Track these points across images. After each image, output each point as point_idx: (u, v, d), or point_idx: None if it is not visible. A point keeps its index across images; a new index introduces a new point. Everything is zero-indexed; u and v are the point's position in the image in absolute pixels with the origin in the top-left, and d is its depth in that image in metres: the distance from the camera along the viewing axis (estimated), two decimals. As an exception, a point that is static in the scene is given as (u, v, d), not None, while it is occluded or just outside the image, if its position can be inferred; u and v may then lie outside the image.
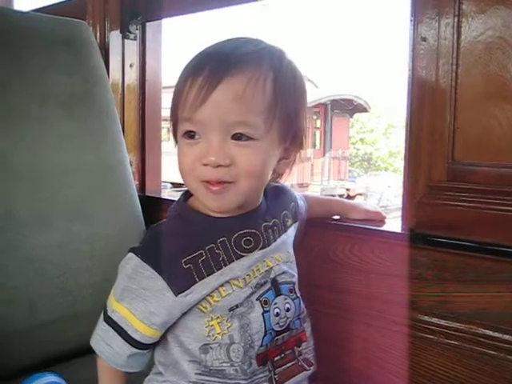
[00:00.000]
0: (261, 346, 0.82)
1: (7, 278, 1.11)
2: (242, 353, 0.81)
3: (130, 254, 0.82)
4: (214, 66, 0.76)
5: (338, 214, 1.12)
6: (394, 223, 1.06)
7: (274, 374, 0.84)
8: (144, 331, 0.80)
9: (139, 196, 1.39)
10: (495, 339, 0.90)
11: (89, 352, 0.85)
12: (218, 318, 0.81)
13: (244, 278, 0.82)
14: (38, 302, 1.13)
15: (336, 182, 16.99)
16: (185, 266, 0.79)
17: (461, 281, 0.93)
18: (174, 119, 0.82)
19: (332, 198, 1.31)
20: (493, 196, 0.91)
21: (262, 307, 0.83)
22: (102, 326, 0.83)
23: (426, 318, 0.96)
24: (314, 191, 14.94)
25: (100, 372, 0.86)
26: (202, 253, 0.80)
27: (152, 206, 1.42)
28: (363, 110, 20.33)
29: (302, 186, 15.14)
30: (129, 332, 0.80)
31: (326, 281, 1.10)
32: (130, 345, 0.81)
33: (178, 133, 0.81)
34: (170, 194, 1.69)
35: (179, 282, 0.79)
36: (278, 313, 0.84)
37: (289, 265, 0.89)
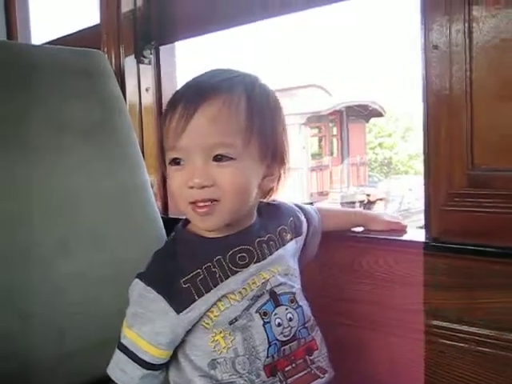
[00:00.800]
0: (267, 356, 0.84)
1: (35, 306, 1.12)
2: (248, 364, 0.83)
3: (136, 280, 0.86)
4: (189, 96, 0.83)
5: (358, 226, 1.12)
6: (416, 232, 1.06)
7: None
8: (152, 352, 0.84)
9: (162, 218, 1.40)
10: (528, 345, 0.88)
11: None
12: (221, 332, 0.84)
13: (240, 292, 0.85)
14: (66, 330, 1.14)
15: (356, 189, 16.81)
16: (184, 286, 0.83)
17: (487, 287, 0.92)
18: (162, 150, 0.87)
19: (351, 209, 1.32)
20: (515, 200, 0.90)
21: (262, 319, 0.85)
22: (117, 353, 0.86)
23: (455, 326, 0.96)
24: (334, 199, 14.84)
25: None
26: (199, 272, 0.84)
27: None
28: (378, 114, 20.19)
29: (321, 194, 15.07)
30: (138, 354, 0.84)
31: (351, 293, 1.09)
32: (141, 366, 0.84)
33: (166, 161, 0.86)
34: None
35: (180, 301, 0.83)
36: (279, 323, 0.86)
37: (288, 277, 0.91)
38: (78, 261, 1.19)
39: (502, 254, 0.90)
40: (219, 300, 0.84)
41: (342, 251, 1.11)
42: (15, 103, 1.21)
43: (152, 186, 1.48)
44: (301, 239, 0.98)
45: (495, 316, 0.91)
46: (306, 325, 0.90)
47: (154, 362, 0.85)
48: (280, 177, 0.90)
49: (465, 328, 0.95)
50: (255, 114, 0.85)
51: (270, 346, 0.85)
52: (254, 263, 0.87)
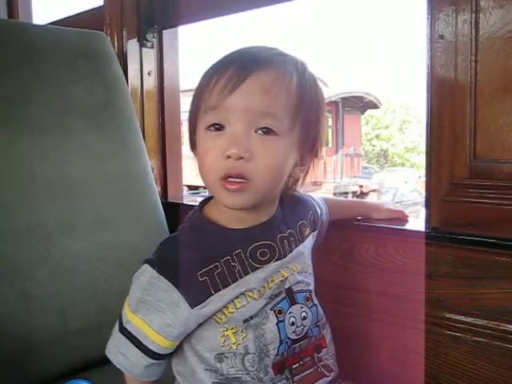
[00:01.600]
0: (277, 355, 0.82)
1: (39, 287, 1.12)
2: (257, 362, 0.80)
3: (146, 266, 0.81)
4: (242, 62, 0.77)
5: (360, 215, 1.11)
6: (417, 222, 1.05)
7: (293, 382, 0.83)
8: (161, 342, 0.80)
9: (162, 202, 1.39)
10: (525, 336, 0.88)
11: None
12: (233, 328, 0.80)
13: (259, 290, 0.81)
14: (69, 310, 1.15)
15: (349, 180, 16.88)
16: (201, 279, 0.79)
17: (487, 278, 0.92)
18: (196, 111, 0.80)
19: (354, 199, 1.32)
20: (516, 192, 0.89)
21: (277, 317, 0.82)
22: (117, 337, 0.83)
23: (453, 315, 0.95)
24: (328, 189, 14.87)
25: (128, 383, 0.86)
26: (217, 265, 0.80)
27: (175, 211, 1.43)
28: (374, 106, 20.32)
29: (315, 184, 15.07)
30: (145, 343, 0.80)
31: (351, 281, 1.09)
32: (147, 355, 0.81)
33: (199, 126, 0.80)
34: (188, 197, 1.69)
35: (195, 295, 0.78)
36: (293, 322, 0.83)
37: (304, 274, 0.88)
38: (80, 242, 1.19)
39: (503, 245, 0.89)
40: (236, 297, 0.80)
41: (343, 239, 1.11)
42: (17, 83, 1.20)
43: (152, 171, 1.47)
44: (316, 234, 0.95)
45: (492, 306, 0.91)
46: (318, 323, 0.88)
47: (161, 352, 0.81)
48: (308, 169, 0.86)
49: (462, 318, 0.94)
50: (305, 98, 0.80)
51: (281, 344, 0.82)
52: (275, 261, 0.83)
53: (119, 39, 1.55)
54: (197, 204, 0.91)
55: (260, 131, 0.76)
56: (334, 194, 14.34)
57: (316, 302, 0.88)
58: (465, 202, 0.95)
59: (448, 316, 0.96)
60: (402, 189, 15.99)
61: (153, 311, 0.79)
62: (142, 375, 0.83)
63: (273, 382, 0.82)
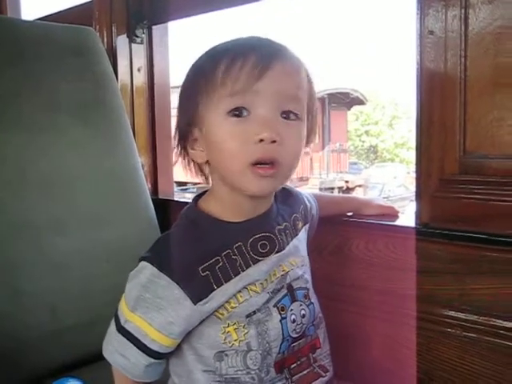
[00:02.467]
0: (278, 353, 0.80)
1: (30, 284, 1.11)
2: (260, 360, 0.78)
3: (144, 263, 0.78)
4: (264, 49, 0.76)
5: (351, 211, 1.10)
6: (407, 217, 1.05)
7: (291, 382, 0.82)
8: (162, 341, 0.78)
9: (152, 199, 1.38)
10: (514, 330, 0.88)
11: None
12: (235, 324, 0.78)
13: (261, 283, 0.80)
14: (59, 307, 1.13)
15: (335, 175, 16.94)
16: (202, 274, 0.77)
17: (477, 273, 0.91)
18: (206, 94, 0.76)
19: (344, 195, 1.31)
20: (506, 188, 0.89)
21: (280, 314, 0.80)
22: (115, 337, 0.80)
23: (443, 311, 0.95)
24: (314, 184, 14.90)
25: (118, 382, 0.84)
26: (218, 259, 0.78)
27: (165, 208, 1.42)
28: (360, 102, 20.49)
29: (301, 179, 15.09)
30: (145, 342, 0.78)
31: (342, 277, 1.09)
32: (147, 355, 0.78)
33: (214, 113, 0.75)
34: (178, 194, 1.69)
35: (198, 291, 0.76)
36: (294, 319, 0.82)
37: (304, 269, 0.87)
38: (71, 239, 1.18)
39: (492, 241, 0.89)
40: (239, 291, 0.78)
41: (333, 235, 1.10)
42: (5, 80, 1.19)
43: (143, 167, 1.46)
44: (307, 227, 0.94)
45: (482, 302, 0.91)
46: (314, 322, 0.86)
47: (163, 351, 0.79)
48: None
49: (452, 313, 0.94)
50: (313, 90, 0.82)
51: (283, 342, 0.80)
52: (276, 253, 0.81)
53: (108, 35, 1.53)
54: (188, 201, 0.89)
55: (284, 115, 0.76)
56: (320, 189, 14.39)
57: (313, 299, 0.87)
58: (455, 198, 0.94)
59: (438, 312, 0.95)
60: (389, 184, 16.05)
61: (153, 309, 0.77)
62: (143, 375, 0.81)
63: (272, 381, 0.80)
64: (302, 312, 0.83)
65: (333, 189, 14.86)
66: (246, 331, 0.78)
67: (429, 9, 0.94)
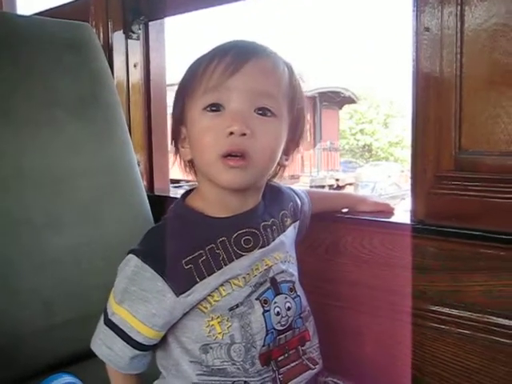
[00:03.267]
0: (263, 345, 0.80)
1: (22, 280, 1.09)
2: (244, 352, 0.79)
3: (130, 256, 0.80)
4: (241, 48, 0.79)
5: (346, 208, 1.09)
6: (402, 214, 1.04)
7: (279, 374, 0.82)
8: (146, 333, 0.79)
9: (148, 195, 1.37)
10: (508, 327, 0.87)
11: (104, 353, 0.82)
12: (219, 317, 0.79)
13: (244, 277, 0.80)
14: (53, 303, 1.12)
15: (326, 173, 16.97)
16: (185, 267, 0.78)
17: (471, 270, 0.90)
18: (187, 96, 0.80)
19: (339, 191, 1.30)
20: (501, 184, 0.88)
21: (262, 307, 0.81)
22: (102, 330, 0.82)
23: (437, 308, 0.94)
24: (305, 182, 14.92)
25: (111, 376, 0.84)
26: (202, 253, 0.79)
27: (161, 204, 1.40)
28: (351, 101, 20.61)
29: (292, 177, 15.10)
30: (130, 334, 0.79)
31: (337, 274, 1.08)
32: (132, 347, 0.80)
33: (193, 109, 0.79)
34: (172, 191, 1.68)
35: (180, 283, 0.77)
36: (278, 312, 0.82)
37: (287, 264, 0.87)
38: (66, 235, 1.17)
39: (487, 238, 0.88)
40: (221, 285, 0.79)
41: (328, 232, 1.09)
42: (1, 75, 1.16)
43: (138, 164, 1.44)
44: (297, 224, 0.94)
45: (476, 299, 0.90)
46: (302, 315, 0.86)
47: (147, 343, 0.80)
48: (291, 160, 0.88)
49: (446, 310, 0.93)
50: (296, 90, 0.83)
51: (267, 334, 0.81)
52: (259, 248, 0.82)
53: (105, 31, 1.52)
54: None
55: (259, 111, 0.77)
56: (311, 186, 14.42)
57: (299, 292, 0.87)
58: (450, 195, 0.93)
59: (433, 308, 0.95)
60: (380, 182, 16.06)
61: (138, 301, 0.78)
62: (128, 368, 0.82)
63: (259, 373, 0.80)
64: (288, 305, 0.84)
65: (323, 187, 14.88)
66: (229, 324, 0.79)
67: (425, 6, 0.94)
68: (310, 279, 0.91)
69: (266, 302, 0.81)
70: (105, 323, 0.81)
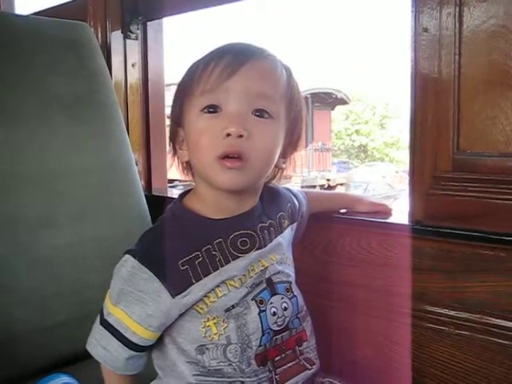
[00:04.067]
0: (259, 346, 0.79)
1: (18, 279, 1.08)
2: (240, 353, 0.78)
3: (127, 256, 0.79)
4: (238, 50, 0.79)
5: (343, 208, 1.08)
6: (401, 215, 1.03)
7: (275, 374, 0.81)
8: (142, 334, 0.78)
9: (146, 195, 1.35)
10: (506, 328, 0.86)
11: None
12: (215, 318, 0.78)
13: (240, 278, 0.80)
14: (49, 303, 1.10)
15: (317, 173, 17.01)
16: (181, 268, 0.77)
17: (470, 271, 0.89)
18: (185, 98, 0.80)
19: (336, 191, 1.29)
20: (499, 186, 0.87)
21: (258, 307, 0.80)
22: (98, 330, 0.81)
23: (436, 309, 0.93)
24: (296, 182, 14.97)
25: (106, 377, 0.83)
26: (198, 254, 0.78)
27: (159, 205, 1.39)
28: (343, 102, 20.77)
29: (284, 177, 15.16)
30: (126, 335, 0.78)
31: (334, 274, 1.06)
32: (128, 348, 0.79)
33: (190, 110, 0.79)
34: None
35: (176, 284, 0.77)
36: (274, 312, 0.81)
37: (283, 265, 0.86)
38: (62, 235, 1.15)
39: (485, 239, 0.87)
40: (217, 286, 0.78)
41: (325, 232, 1.07)
42: (-2, 73, 1.14)
43: (136, 164, 1.43)
44: (295, 226, 0.93)
45: (474, 300, 0.89)
46: (299, 315, 0.86)
47: (143, 344, 0.79)
48: (289, 163, 0.87)
49: (445, 311, 0.92)
50: (294, 93, 0.82)
51: (263, 335, 0.80)
52: (256, 250, 0.82)
53: (103, 30, 1.50)
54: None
55: (257, 113, 0.77)
56: (302, 186, 14.45)
57: (296, 293, 0.86)
58: (448, 196, 0.92)
59: (431, 309, 0.94)
60: (373, 183, 16.09)
61: (134, 302, 0.77)
62: (123, 368, 0.81)
63: (255, 373, 0.79)
64: (284, 305, 0.83)
65: (314, 187, 14.92)
66: (225, 325, 0.78)
67: (424, 6, 0.93)
68: (307, 279, 0.90)
69: (261, 302, 0.81)
70: (100, 323, 0.81)
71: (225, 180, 0.76)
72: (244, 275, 0.80)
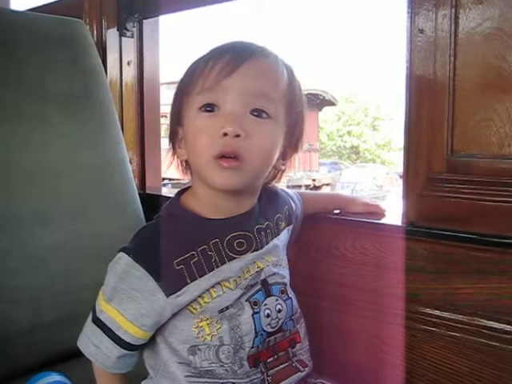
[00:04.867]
0: (252, 347, 0.78)
1: (11, 277, 1.05)
2: (232, 354, 0.77)
3: (121, 254, 0.77)
4: (238, 49, 0.77)
5: (337, 208, 1.06)
6: (394, 216, 1.01)
7: (267, 376, 0.80)
8: (134, 332, 0.76)
9: (140, 194, 1.33)
10: (498, 330, 0.85)
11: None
12: (208, 319, 0.77)
13: (235, 280, 0.78)
14: (41, 301, 1.08)
15: (303, 173, 17.05)
16: (177, 267, 0.75)
17: (462, 273, 0.88)
18: (184, 96, 0.78)
19: (330, 192, 1.28)
20: (492, 187, 0.86)
21: (252, 308, 0.79)
22: (90, 327, 0.79)
23: (428, 310, 0.92)
24: (282, 181, 15.05)
25: (97, 375, 0.82)
26: (194, 254, 0.77)
27: (152, 203, 1.37)
28: (331, 103, 20.92)
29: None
30: (118, 333, 0.76)
31: (328, 275, 1.04)
32: (120, 346, 0.77)
33: (189, 109, 0.77)
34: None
35: (171, 283, 0.75)
36: (268, 314, 0.80)
37: (278, 267, 0.85)
38: (55, 232, 1.13)
39: (478, 241, 0.86)
40: (212, 287, 0.76)
41: (319, 233, 1.06)
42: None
43: (130, 162, 1.41)
44: (291, 228, 0.92)
45: (466, 302, 0.88)
46: (293, 317, 0.84)
47: (135, 343, 0.77)
48: (288, 165, 0.86)
49: (437, 313, 0.91)
50: (295, 93, 0.81)
51: (256, 336, 0.78)
52: (252, 251, 0.80)
53: (98, 28, 1.48)
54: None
55: (255, 113, 0.75)
56: (288, 186, 14.51)
57: (291, 295, 0.85)
58: (441, 197, 0.91)
59: (423, 310, 0.92)
60: (360, 183, 16.16)
61: (127, 300, 0.76)
62: (115, 367, 0.79)
63: (247, 375, 0.78)
64: (278, 307, 0.82)
65: (300, 186, 14.98)
66: (218, 326, 0.77)
67: (420, 8, 0.92)
68: (300, 280, 0.89)
69: (255, 303, 0.79)
70: (92, 321, 0.79)
71: (221, 180, 0.74)
72: (239, 277, 0.79)
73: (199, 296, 0.76)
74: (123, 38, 1.51)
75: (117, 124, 1.33)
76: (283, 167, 0.85)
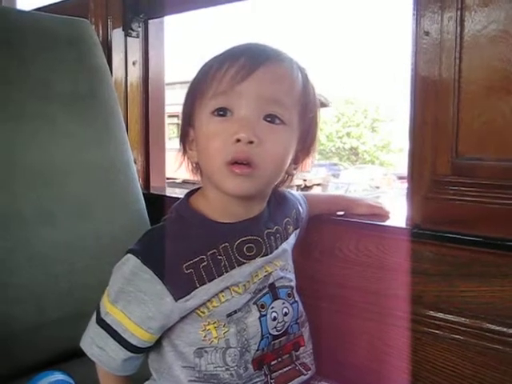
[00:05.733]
0: (257, 350, 0.76)
1: (15, 276, 1.04)
2: (238, 357, 0.75)
3: (129, 255, 0.75)
4: (254, 52, 0.74)
5: (341, 210, 1.04)
6: (398, 218, 1.00)
7: (271, 379, 0.78)
8: (141, 335, 0.74)
9: (144, 194, 1.31)
10: (501, 334, 0.84)
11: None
12: (215, 322, 0.75)
13: (244, 285, 0.76)
14: (45, 300, 1.07)
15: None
16: (186, 271, 0.73)
17: (466, 275, 0.87)
18: (196, 99, 0.76)
19: (334, 193, 1.26)
20: (498, 190, 0.85)
21: (259, 311, 0.77)
22: (94, 329, 0.77)
23: (431, 312, 0.90)
24: None
25: (101, 377, 0.80)
26: (203, 258, 0.75)
27: (157, 203, 1.36)
28: (323, 105, 21.06)
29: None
30: (124, 336, 0.74)
31: (332, 277, 1.03)
32: (126, 349, 0.75)
33: (201, 112, 0.75)
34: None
35: (180, 287, 0.73)
36: (275, 317, 0.78)
37: (285, 271, 0.83)
38: (59, 231, 1.11)
39: (482, 243, 0.85)
40: (221, 291, 0.74)
41: (323, 235, 1.04)
42: (-3, 67, 1.11)
43: (135, 162, 1.39)
44: (298, 232, 0.90)
45: (470, 305, 0.86)
46: (298, 320, 0.83)
47: (141, 346, 0.75)
48: (300, 169, 0.83)
49: (440, 315, 0.89)
50: (309, 97, 0.78)
51: (262, 339, 0.77)
52: (261, 256, 0.78)
53: (104, 28, 1.46)
54: (180, 196, 0.85)
55: (268, 118, 0.73)
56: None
57: (297, 298, 0.83)
58: (446, 200, 0.89)
59: (427, 313, 0.91)
60: (354, 184, 16.17)
61: (134, 303, 0.73)
62: (120, 369, 0.77)
63: (251, 378, 0.76)
64: (285, 310, 0.80)
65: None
66: (226, 330, 0.75)
67: (425, 10, 0.90)
68: (303, 282, 0.87)
69: (263, 306, 0.78)
70: (97, 322, 0.77)
71: (233, 186, 0.72)
72: (248, 281, 0.77)
73: (208, 300, 0.74)
74: (128, 38, 1.49)
75: (122, 124, 1.31)
76: (295, 172, 0.83)
